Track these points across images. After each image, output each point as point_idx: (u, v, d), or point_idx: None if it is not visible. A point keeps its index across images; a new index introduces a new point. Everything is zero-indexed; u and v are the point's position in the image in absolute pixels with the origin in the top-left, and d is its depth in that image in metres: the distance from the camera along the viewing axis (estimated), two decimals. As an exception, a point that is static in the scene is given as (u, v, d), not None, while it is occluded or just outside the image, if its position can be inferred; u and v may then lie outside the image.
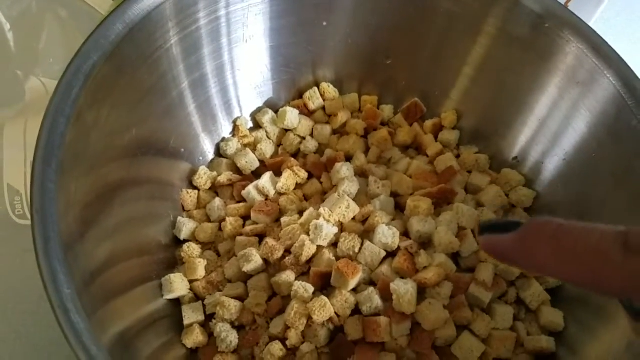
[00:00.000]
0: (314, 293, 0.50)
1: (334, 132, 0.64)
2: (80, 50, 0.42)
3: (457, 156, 0.62)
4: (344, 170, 0.57)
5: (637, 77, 0.47)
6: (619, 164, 0.48)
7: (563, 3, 0.59)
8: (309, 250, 0.51)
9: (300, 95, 0.65)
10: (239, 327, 0.51)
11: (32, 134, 0.54)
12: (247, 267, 0.51)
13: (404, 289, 0.47)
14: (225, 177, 0.59)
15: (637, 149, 0.47)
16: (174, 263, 0.55)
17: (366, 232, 0.54)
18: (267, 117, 0.63)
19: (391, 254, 0.52)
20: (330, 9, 0.57)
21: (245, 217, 0.57)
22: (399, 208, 0.57)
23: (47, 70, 0.55)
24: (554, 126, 0.54)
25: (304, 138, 0.64)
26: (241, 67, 0.58)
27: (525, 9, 0.52)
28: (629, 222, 0.47)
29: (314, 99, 0.64)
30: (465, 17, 0.55)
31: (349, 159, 0.61)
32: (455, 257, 0.53)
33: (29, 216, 0.54)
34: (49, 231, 0.37)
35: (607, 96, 0.49)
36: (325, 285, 0.51)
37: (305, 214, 0.54)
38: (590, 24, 0.63)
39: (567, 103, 0.52)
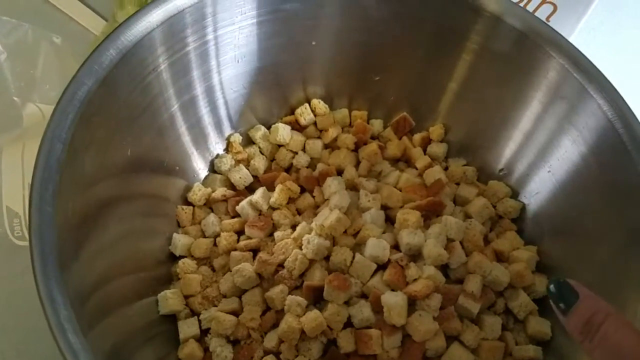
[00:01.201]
0: (307, 307, 0.51)
1: (326, 146, 0.66)
2: (75, 77, 0.43)
3: (446, 168, 0.63)
4: (334, 184, 0.58)
5: (616, 90, 0.49)
6: (600, 176, 0.50)
7: (545, 17, 0.61)
8: (302, 264, 0.52)
9: (292, 112, 0.66)
10: (234, 342, 0.52)
11: (29, 158, 0.56)
12: (241, 282, 0.52)
13: (393, 301, 0.48)
14: (219, 192, 0.60)
15: (617, 161, 0.48)
16: (170, 279, 0.56)
17: (358, 245, 0.55)
18: (260, 133, 0.64)
19: (382, 267, 0.53)
20: (318, 29, 0.59)
21: (240, 232, 0.58)
22: (390, 221, 0.58)
23: (43, 96, 0.57)
24: (538, 139, 0.56)
25: (296, 153, 0.65)
26: (232, 87, 0.60)
27: (507, 26, 0.53)
28: (610, 234, 0.49)
29: (305, 115, 0.65)
30: (448, 35, 0.56)
31: (340, 172, 0.62)
32: (445, 268, 0.54)
33: (27, 237, 0.55)
34: (46, 254, 0.38)
35: (589, 110, 0.50)
36: (318, 299, 0.52)
37: (298, 229, 0.55)
38: (574, 35, 0.65)
39: (550, 117, 0.54)
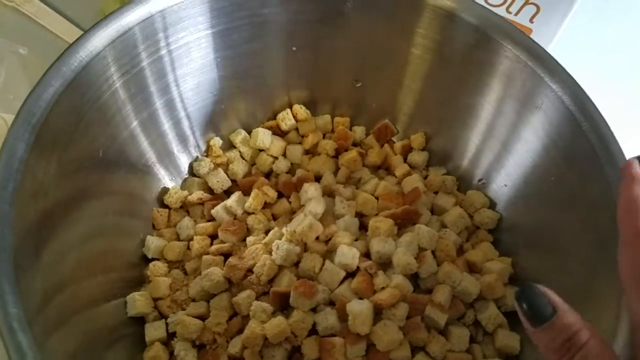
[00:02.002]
0: (273, 313, 0.51)
1: (306, 152, 0.66)
2: (42, 79, 0.44)
3: (426, 177, 0.62)
4: (311, 190, 0.58)
5: (588, 97, 0.48)
6: (573, 186, 0.49)
7: (529, 18, 0.60)
8: (270, 270, 0.52)
9: (275, 116, 0.66)
10: (200, 346, 0.52)
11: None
12: (209, 286, 0.52)
13: (358, 310, 0.48)
14: (195, 196, 0.60)
15: (590, 171, 0.47)
16: (142, 281, 0.56)
17: (329, 252, 0.55)
18: (240, 137, 0.64)
19: (352, 274, 0.53)
20: (296, 34, 0.59)
21: (214, 236, 0.58)
22: (365, 228, 0.57)
23: (7, 106, 0.58)
24: (514, 149, 0.55)
25: (276, 158, 0.65)
26: (213, 91, 0.60)
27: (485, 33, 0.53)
28: (580, 245, 0.48)
29: (286, 120, 0.65)
30: (424, 43, 0.56)
31: (319, 178, 0.62)
32: (416, 278, 0.54)
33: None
34: (1, 253, 0.38)
35: (560, 118, 0.49)
36: (285, 305, 0.52)
37: (269, 234, 0.55)
38: (559, 34, 0.64)
39: (525, 125, 0.53)
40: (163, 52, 0.51)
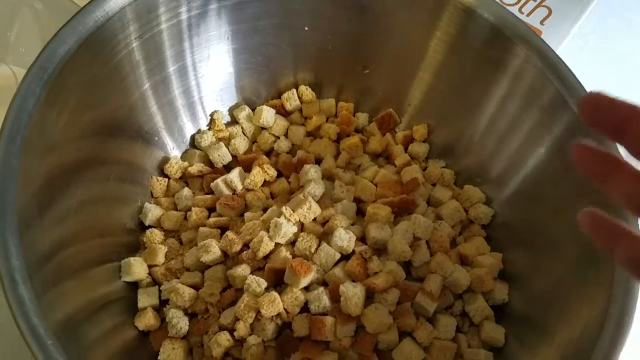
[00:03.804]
0: (267, 289, 0.51)
1: (309, 134, 0.66)
2: (56, 35, 0.43)
3: (425, 169, 0.63)
4: (312, 172, 0.59)
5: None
6: (569, 192, 0.50)
7: (540, 20, 0.61)
8: (267, 246, 0.52)
9: (280, 95, 0.66)
10: (192, 315, 0.53)
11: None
12: (206, 258, 0.53)
13: (352, 292, 0.49)
14: (196, 168, 0.60)
15: (589, 183, 0.48)
16: (137, 247, 0.57)
17: (325, 235, 0.55)
18: (244, 113, 0.64)
19: (347, 257, 0.54)
20: (311, 15, 0.59)
21: (212, 209, 0.59)
22: (362, 214, 0.58)
23: (18, 59, 0.57)
24: (517, 147, 0.56)
25: (278, 137, 0.65)
26: (223, 64, 0.60)
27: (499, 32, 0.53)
28: (568, 249, 0.49)
29: (291, 100, 0.65)
30: (441, 37, 0.56)
31: (320, 162, 0.62)
32: (408, 266, 0.55)
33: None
34: (6, 205, 0.38)
35: (564, 120, 0.50)
36: (279, 282, 0.53)
37: (268, 212, 0.56)
38: (568, 39, 0.65)
39: (530, 127, 0.54)
40: (183, 17, 0.51)
